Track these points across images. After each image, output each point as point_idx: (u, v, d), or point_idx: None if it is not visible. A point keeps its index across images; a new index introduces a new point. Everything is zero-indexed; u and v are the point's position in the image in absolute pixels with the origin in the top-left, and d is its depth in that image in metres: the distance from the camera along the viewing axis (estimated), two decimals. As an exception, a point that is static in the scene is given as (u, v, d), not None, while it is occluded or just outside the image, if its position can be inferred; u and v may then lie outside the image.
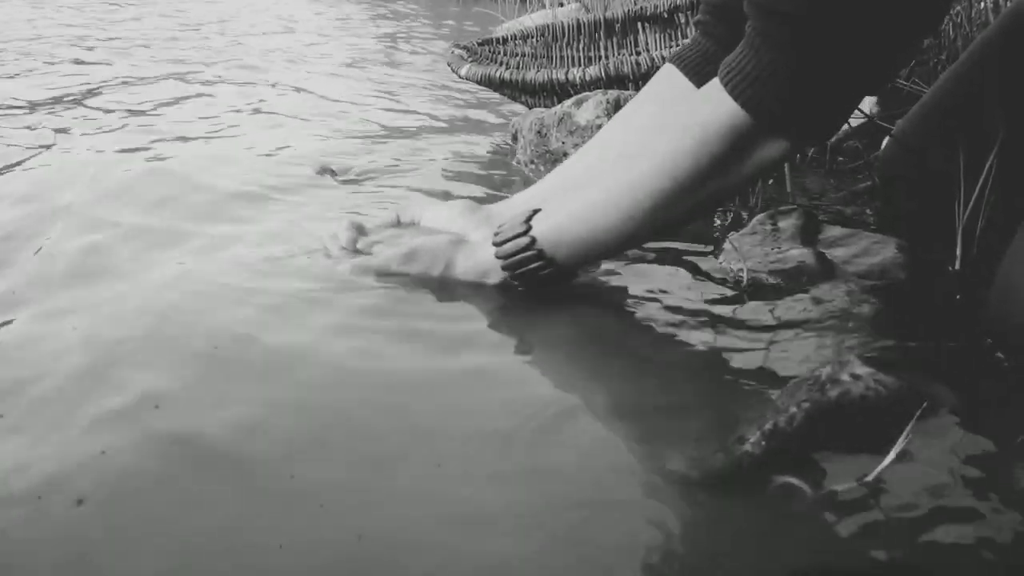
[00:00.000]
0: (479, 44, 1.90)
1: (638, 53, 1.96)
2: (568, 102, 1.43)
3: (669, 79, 1.17)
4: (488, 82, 1.73)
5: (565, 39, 1.99)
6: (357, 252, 1.06)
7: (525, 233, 0.93)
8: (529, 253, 0.93)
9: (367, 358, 0.86)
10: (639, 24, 1.99)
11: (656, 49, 1.93)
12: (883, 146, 1.36)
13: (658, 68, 1.55)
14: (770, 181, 1.35)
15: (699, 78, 1.10)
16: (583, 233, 0.92)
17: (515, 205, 1.07)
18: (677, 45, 2.01)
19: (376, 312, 0.95)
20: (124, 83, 2.42)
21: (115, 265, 1.10)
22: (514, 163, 1.56)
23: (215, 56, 3.03)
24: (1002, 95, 1.10)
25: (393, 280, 1.01)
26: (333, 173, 1.45)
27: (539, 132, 1.46)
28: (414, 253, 1.00)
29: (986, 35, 1.17)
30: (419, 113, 2.08)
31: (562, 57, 1.98)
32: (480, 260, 0.98)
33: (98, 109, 2.09)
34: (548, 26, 1.99)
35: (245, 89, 2.37)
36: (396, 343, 0.89)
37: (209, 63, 2.86)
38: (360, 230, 1.08)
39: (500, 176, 1.51)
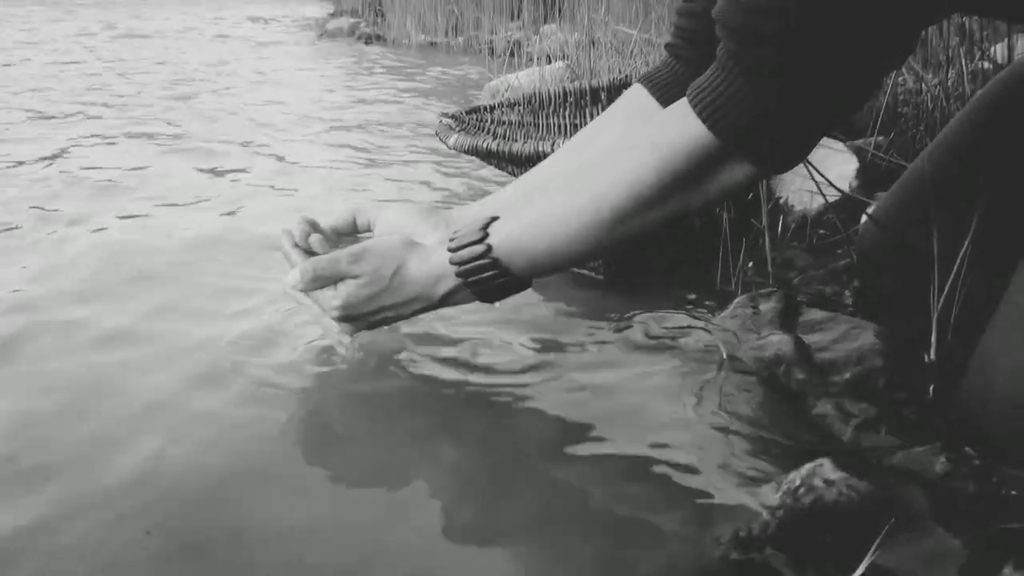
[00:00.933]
0: (467, 112, 1.93)
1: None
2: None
3: (637, 98, 1.19)
4: (476, 152, 1.75)
5: (552, 106, 2.02)
6: (309, 251, 1.02)
7: (481, 241, 0.92)
8: (484, 261, 0.92)
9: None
10: (624, 92, 2.02)
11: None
12: (861, 224, 1.38)
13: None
14: (750, 264, 1.37)
15: (667, 99, 1.12)
16: (541, 244, 0.91)
17: (473, 212, 1.05)
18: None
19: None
20: (93, 145, 2.46)
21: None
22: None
23: (188, 117, 3.06)
24: (979, 176, 1.12)
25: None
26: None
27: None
28: (365, 252, 0.96)
29: (962, 115, 1.20)
30: (406, 182, 2.11)
31: (548, 125, 2.01)
32: (434, 265, 0.95)
33: (66, 173, 2.11)
34: (535, 94, 2.02)
35: (219, 157, 2.39)
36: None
37: (181, 123, 2.89)
38: (314, 227, 1.05)
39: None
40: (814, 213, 1.55)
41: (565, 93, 2.03)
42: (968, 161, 1.14)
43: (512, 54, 5.31)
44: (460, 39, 5.87)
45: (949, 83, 1.71)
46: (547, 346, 1.15)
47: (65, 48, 5.32)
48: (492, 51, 5.41)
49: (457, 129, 1.85)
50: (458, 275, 0.93)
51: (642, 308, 1.27)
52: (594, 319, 1.24)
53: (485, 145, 1.72)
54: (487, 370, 1.07)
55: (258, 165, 2.27)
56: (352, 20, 6.43)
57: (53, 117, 2.94)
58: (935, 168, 1.16)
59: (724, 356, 1.08)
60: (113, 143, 2.52)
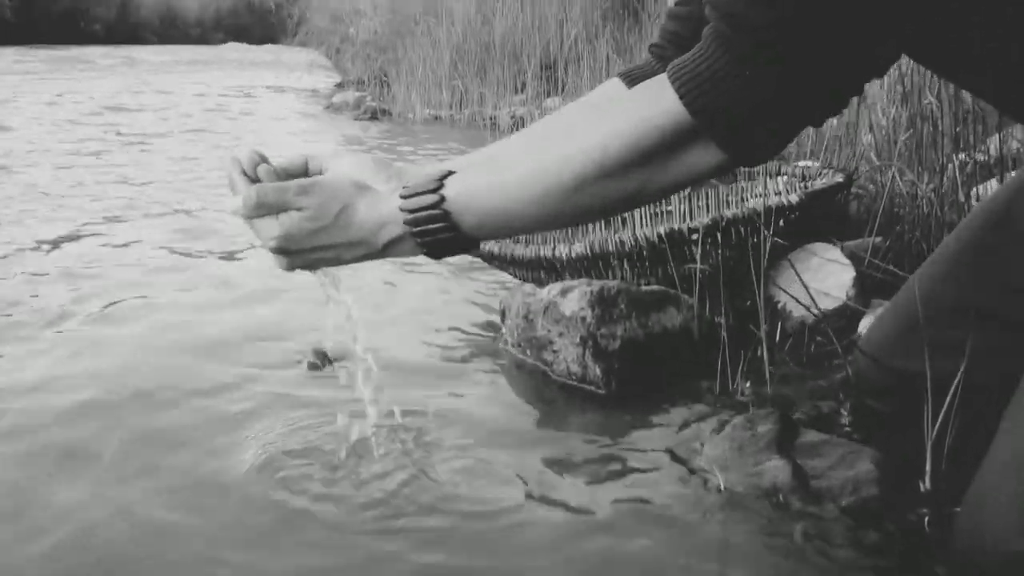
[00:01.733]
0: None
1: (623, 221, 2.03)
2: (555, 289, 1.48)
3: (614, 88, 1.21)
4: (478, 254, 1.78)
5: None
6: (256, 181, 0.97)
7: (435, 191, 0.89)
8: (435, 212, 0.89)
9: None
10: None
11: (641, 228, 2.00)
12: (859, 336, 1.40)
13: (642, 248, 1.62)
14: (747, 383, 1.39)
15: None
16: (495, 202, 0.88)
17: (431, 168, 1.01)
18: (662, 211, 2.08)
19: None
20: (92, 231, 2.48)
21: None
22: (501, 345, 1.60)
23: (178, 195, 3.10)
24: (973, 303, 1.13)
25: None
26: (327, 360, 1.49)
27: (526, 316, 1.51)
28: (314, 186, 0.93)
29: (955, 235, 1.21)
30: (410, 281, 2.14)
31: (550, 223, 2.05)
32: (382, 211, 0.92)
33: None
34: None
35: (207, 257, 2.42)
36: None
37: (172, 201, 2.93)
38: (264, 159, 0.99)
39: (488, 365, 1.55)
40: (812, 320, 1.57)
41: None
42: (963, 288, 1.16)
43: (515, 128, 5.40)
44: (465, 112, 5.96)
45: (943, 190, 1.74)
46: (543, 474, 1.16)
47: (77, 121, 5.40)
48: (496, 127, 5.50)
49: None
50: (406, 223, 0.90)
51: (641, 426, 1.28)
52: (593, 437, 1.26)
53: (487, 249, 1.76)
54: (481, 504, 1.08)
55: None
56: (357, 94, 6.52)
57: (68, 197, 2.99)
58: (929, 292, 1.17)
59: (721, 484, 1.09)
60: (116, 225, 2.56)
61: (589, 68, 5.87)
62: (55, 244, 2.39)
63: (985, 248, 1.15)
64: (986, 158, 1.86)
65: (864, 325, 1.52)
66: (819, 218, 1.76)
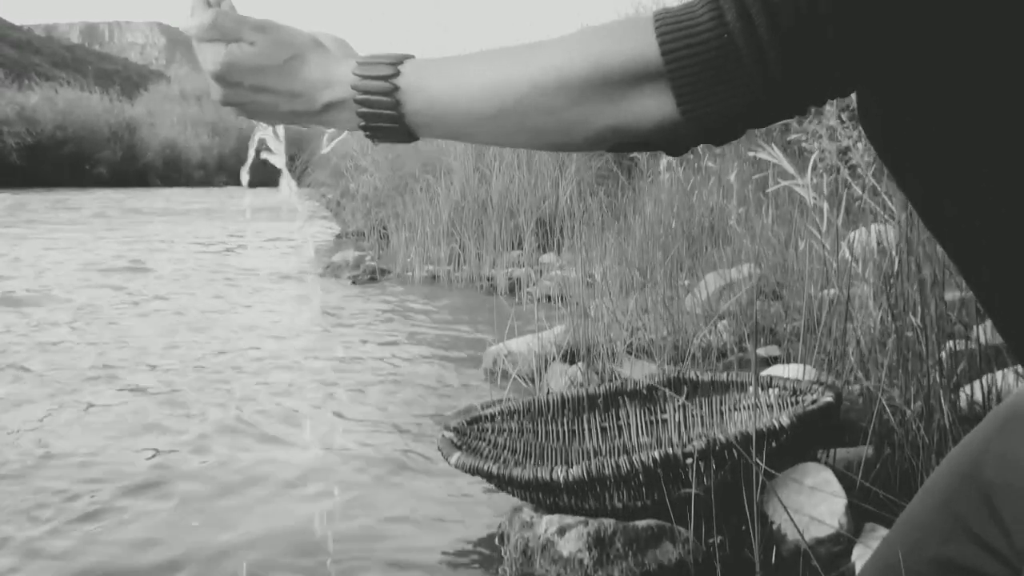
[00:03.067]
0: (468, 423, 2.01)
1: (619, 429, 2.07)
2: (553, 526, 1.51)
3: None
4: (477, 472, 1.81)
5: (550, 412, 2.10)
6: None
7: (392, 64, 0.89)
8: (385, 85, 0.88)
9: None
10: (620, 399, 2.11)
11: (636, 437, 2.04)
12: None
13: (638, 472, 1.66)
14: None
15: None
16: (446, 89, 0.87)
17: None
18: (656, 419, 2.12)
19: None
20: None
21: None
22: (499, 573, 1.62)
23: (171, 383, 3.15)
24: (950, 560, 1.15)
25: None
26: None
27: (524, 551, 1.53)
28: (272, 27, 0.92)
29: (927, 490, 1.23)
30: (407, 496, 2.16)
31: (547, 432, 2.09)
32: (333, 71, 0.91)
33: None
34: (533, 400, 2.11)
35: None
36: None
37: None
38: None
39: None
40: (806, 546, 1.59)
41: (563, 399, 2.11)
42: (941, 543, 1.18)
43: (512, 290, 5.51)
44: (464, 269, 6.07)
45: (935, 422, 1.78)
46: None
47: (58, 286, 5.49)
48: (494, 287, 5.60)
49: (459, 443, 1.92)
50: (354, 87, 0.89)
51: None
52: None
53: (487, 468, 1.79)
54: None
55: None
56: (357, 253, 6.65)
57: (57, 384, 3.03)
58: (911, 544, 1.19)
59: None
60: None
61: (585, 226, 6.02)
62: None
63: (955, 506, 1.18)
64: (976, 346, 1.92)
65: (856, 554, 1.55)
66: (810, 436, 1.81)
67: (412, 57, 0.90)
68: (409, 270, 6.19)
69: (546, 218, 6.72)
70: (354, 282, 5.91)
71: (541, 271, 5.84)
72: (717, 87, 0.77)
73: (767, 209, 4.26)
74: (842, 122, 4.44)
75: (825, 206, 2.29)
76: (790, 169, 2.32)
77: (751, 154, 2.75)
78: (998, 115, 0.76)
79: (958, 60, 0.72)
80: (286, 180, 1.07)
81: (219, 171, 29.53)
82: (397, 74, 0.88)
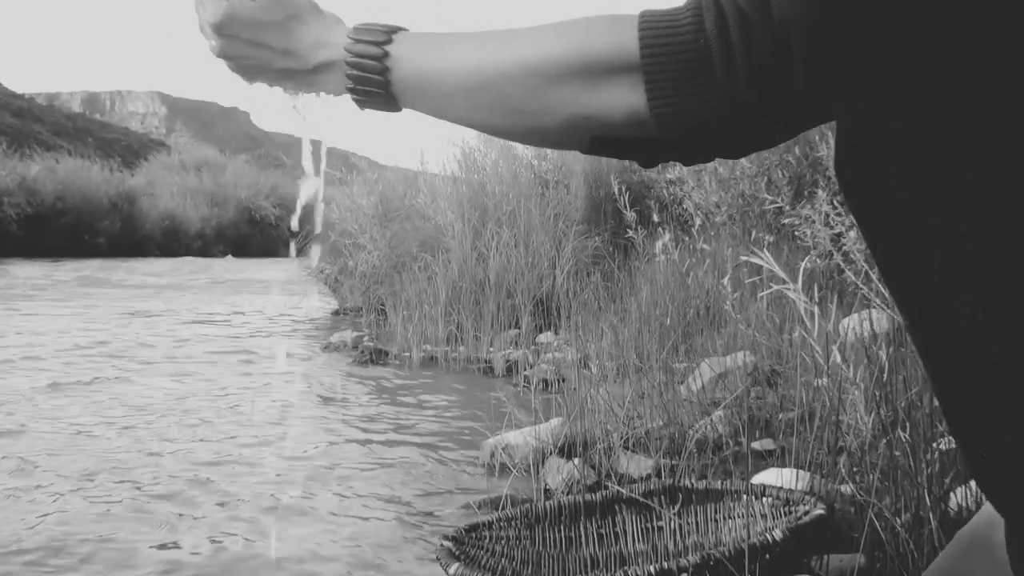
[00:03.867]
0: (465, 531, 2.03)
1: (616, 536, 2.10)
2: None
3: None
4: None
5: (548, 519, 2.13)
6: None
7: (386, 32, 0.91)
8: (376, 50, 0.91)
9: None
10: (617, 506, 2.14)
11: (632, 544, 2.07)
12: None
13: (634, 586, 1.68)
14: None
15: None
16: (433, 60, 0.90)
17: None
18: (652, 526, 2.15)
19: None
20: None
21: None
22: None
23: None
24: None
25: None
26: None
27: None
28: None
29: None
30: None
31: (544, 539, 2.11)
32: (328, 33, 0.94)
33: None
34: (530, 507, 2.13)
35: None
36: None
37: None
38: None
39: None
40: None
41: (560, 506, 2.14)
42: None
43: (509, 371, 5.54)
44: (461, 349, 6.10)
45: (924, 534, 1.81)
46: None
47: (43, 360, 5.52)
48: (492, 369, 5.64)
49: (457, 553, 1.94)
50: (347, 49, 0.92)
51: None
52: None
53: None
54: None
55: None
56: (355, 334, 6.70)
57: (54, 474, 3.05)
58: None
59: None
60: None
61: (581, 306, 6.08)
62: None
63: None
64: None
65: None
66: (803, 547, 1.83)
67: (406, 30, 0.93)
68: (407, 350, 6.22)
69: (543, 297, 6.79)
70: (354, 363, 5.95)
71: (538, 351, 5.87)
72: (686, 89, 0.80)
73: (760, 294, 4.31)
74: (834, 207, 4.51)
75: (816, 311, 2.34)
76: (781, 274, 2.37)
77: (743, 258, 2.81)
78: (973, 164, 0.72)
79: (926, 99, 0.69)
80: (298, 120, 1.04)
81: (217, 241, 29.69)
82: (389, 41, 0.91)
